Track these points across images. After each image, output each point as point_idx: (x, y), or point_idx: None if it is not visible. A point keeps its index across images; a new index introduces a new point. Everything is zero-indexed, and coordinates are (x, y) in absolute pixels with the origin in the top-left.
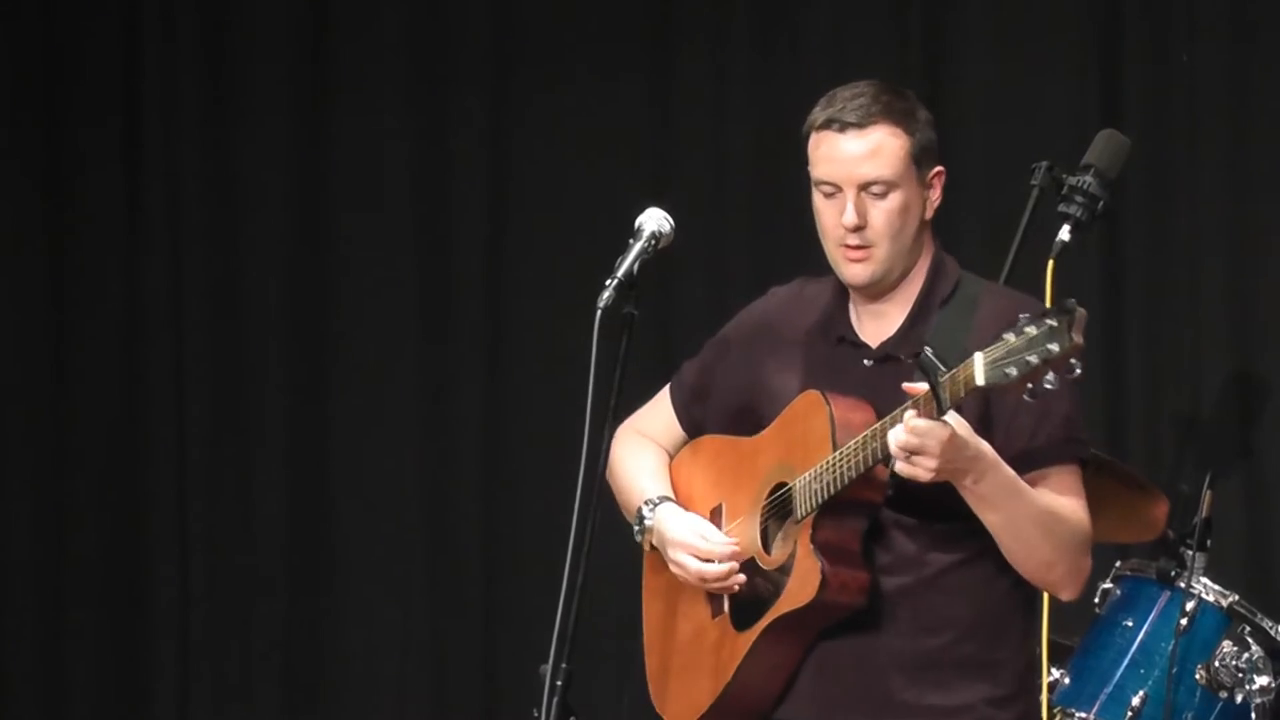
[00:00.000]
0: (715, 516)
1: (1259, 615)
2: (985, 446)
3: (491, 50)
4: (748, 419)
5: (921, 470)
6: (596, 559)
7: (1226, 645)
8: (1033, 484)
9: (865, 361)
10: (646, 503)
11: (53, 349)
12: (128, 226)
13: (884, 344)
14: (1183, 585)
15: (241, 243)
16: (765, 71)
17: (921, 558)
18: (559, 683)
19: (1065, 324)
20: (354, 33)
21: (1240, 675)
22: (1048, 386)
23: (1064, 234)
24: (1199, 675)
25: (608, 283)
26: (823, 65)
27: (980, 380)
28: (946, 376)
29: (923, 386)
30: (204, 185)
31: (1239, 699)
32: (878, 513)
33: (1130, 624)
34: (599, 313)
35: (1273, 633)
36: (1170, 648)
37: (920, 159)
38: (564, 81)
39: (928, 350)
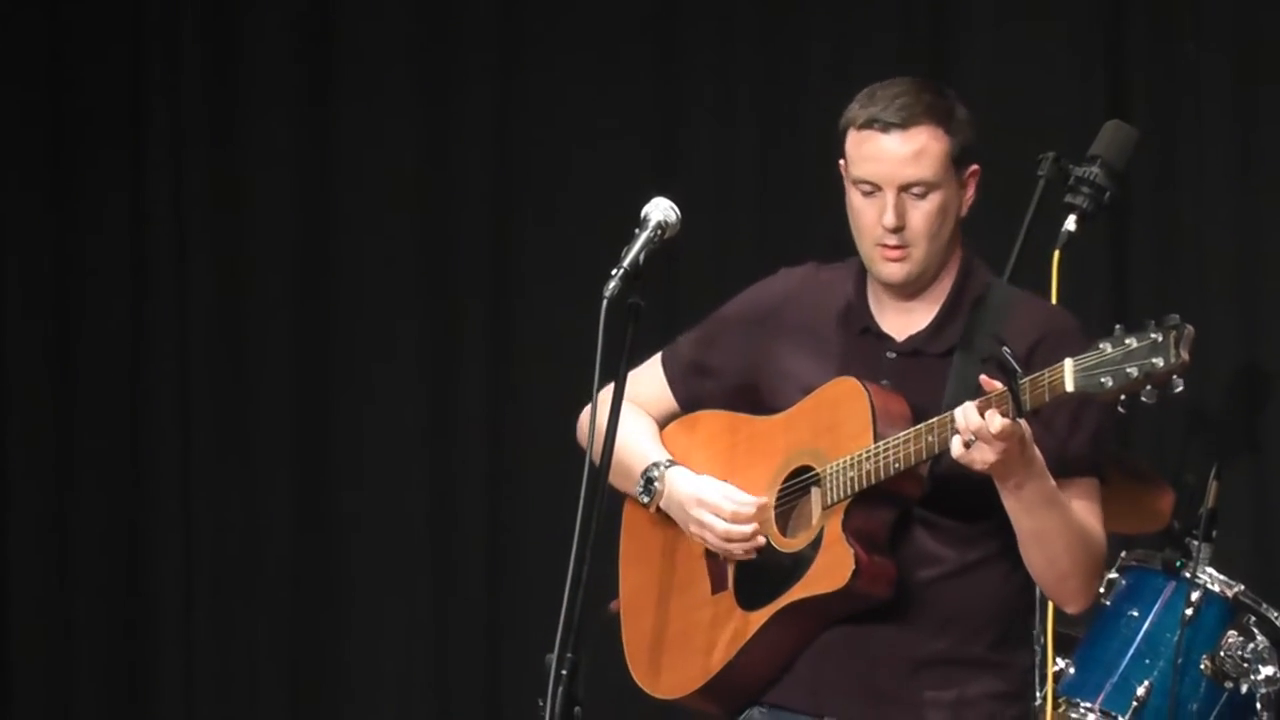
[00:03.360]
0: None
1: (1264, 605)
2: (1038, 454)
3: (497, 42)
4: (748, 397)
5: (978, 459)
6: (602, 548)
7: (1231, 636)
8: (1059, 490)
9: (889, 354)
10: (655, 464)
11: (58, 357)
12: (133, 230)
13: (911, 339)
14: (1188, 576)
15: (246, 245)
16: (770, 62)
17: (940, 555)
18: (564, 672)
19: (1172, 339)
20: (359, 30)
21: (1245, 665)
22: (1144, 400)
23: (1070, 225)
24: (1204, 665)
25: (614, 273)
26: (827, 55)
27: (1070, 386)
28: (1027, 379)
29: (998, 385)
30: (208, 189)
31: (1244, 689)
32: (909, 507)
33: (1136, 614)
34: (605, 303)
35: (1278, 623)
36: (1175, 638)
37: (959, 159)
38: (570, 72)
39: (1006, 350)
